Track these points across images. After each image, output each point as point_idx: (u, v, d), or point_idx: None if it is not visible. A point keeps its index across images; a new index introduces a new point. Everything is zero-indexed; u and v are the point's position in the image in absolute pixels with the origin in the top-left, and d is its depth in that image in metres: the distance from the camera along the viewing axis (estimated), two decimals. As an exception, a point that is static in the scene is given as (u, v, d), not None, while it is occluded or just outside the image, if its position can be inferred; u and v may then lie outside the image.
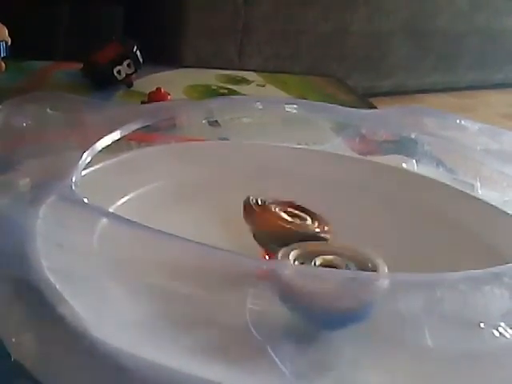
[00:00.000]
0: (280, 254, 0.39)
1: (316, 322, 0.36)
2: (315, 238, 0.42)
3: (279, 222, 0.43)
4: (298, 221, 0.44)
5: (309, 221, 0.44)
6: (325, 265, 0.38)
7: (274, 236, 0.43)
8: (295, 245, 0.40)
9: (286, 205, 0.45)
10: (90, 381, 0.32)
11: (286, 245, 0.40)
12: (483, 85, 2.85)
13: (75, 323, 0.32)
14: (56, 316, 0.33)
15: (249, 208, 0.44)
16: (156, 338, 0.33)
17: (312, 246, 0.40)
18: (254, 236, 0.44)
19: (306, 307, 0.35)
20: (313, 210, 0.45)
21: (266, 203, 0.45)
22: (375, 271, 0.37)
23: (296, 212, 0.45)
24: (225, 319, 0.35)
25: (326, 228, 0.44)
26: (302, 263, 0.38)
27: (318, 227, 0.43)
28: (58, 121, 0.50)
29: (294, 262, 0.38)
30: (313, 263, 0.38)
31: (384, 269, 0.38)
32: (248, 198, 0.45)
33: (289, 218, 0.44)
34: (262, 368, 0.31)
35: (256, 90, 0.89)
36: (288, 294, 0.35)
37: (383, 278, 0.35)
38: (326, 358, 0.34)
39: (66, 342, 0.32)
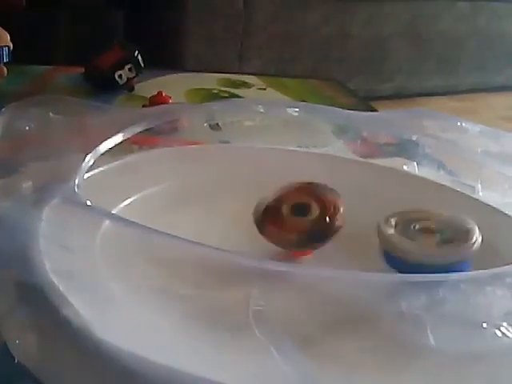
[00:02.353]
0: (382, 221, 0.44)
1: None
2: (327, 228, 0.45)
3: (291, 235, 0.45)
4: (309, 217, 0.45)
5: (318, 209, 0.45)
6: (423, 230, 0.44)
7: (293, 244, 0.45)
8: (396, 212, 0.45)
9: (293, 196, 0.46)
10: (94, 382, 0.32)
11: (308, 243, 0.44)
12: (484, 88, 2.85)
13: (79, 325, 0.32)
14: (59, 318, 0.33)
15: (262, 225, 0.46)
16: (159, 339, 0.33)
17: (412, 213, 0.45)
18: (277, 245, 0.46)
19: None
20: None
21: (275, 207, 0.46)
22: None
23: (305, 202, 0.46)
24: (228, 320, 0.35)
25: (339, 208, 0.46)
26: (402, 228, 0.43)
27: (329, 213, 0.45)
28: (61, 124, 0.50)
29: (396, 227, 0.44)
30: (412, 227, 0.44)
31: (475, 232, 0.43)
32: (257, 211, 0.46)
33: (301, 219, 0.45)
34: (266, 368, 0.31)
35: (257, 94, 0.89)
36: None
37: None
38: (328, 357, 0.34)
39: (70, 344, 0.33)
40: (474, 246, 0.42)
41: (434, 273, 0.38)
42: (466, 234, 0.42)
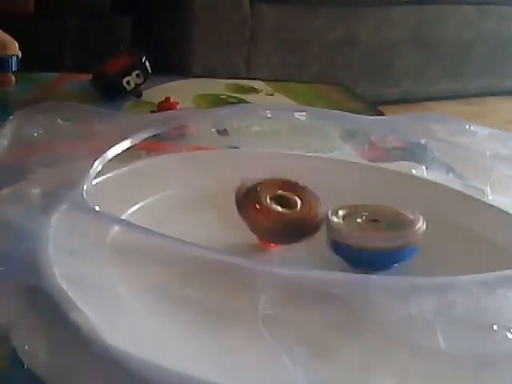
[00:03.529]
0: (330, 211, 0.46)
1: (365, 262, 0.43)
2: (305, 228, 0.46)
3: (270, 220, 0.45)
4: (288, 210, 0.46)
5: (298, 208, 0.46)
6: (370, 219, 0.45)
7: (266, 232, 0.46)
8: (345, 205, 0.46)
9: (277, 187, 0.47)
10: (104, 387, 0.32)
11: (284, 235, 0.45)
12: (491, 92, 2.85)
13: (88, 330, 0.32)
14: (69, 323, 0.33)
15: (240, 204, 0.46)
16: (168, 344, 0.33)
17: (360, 206, 0.47)
18: (250, 229, 0.46)
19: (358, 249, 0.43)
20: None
21: (257, 191, 0.46)
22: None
23: (287, 196, 0.47)
24: (237, 324, 0.35)
25: (316, 210, 0.47)
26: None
27: (309, 213, 0.46)
28: (69, 130, 0.50)
29: (343, 218, 0.45)
30: (357, 220, 0.45)
31: (419, 220, 0.44)
32: (239, 190, 0.47)
33: (280, 209, 0.46)
34: (276, 373, 0.31)
35: (265, 99, 0.89)
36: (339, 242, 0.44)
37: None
38: (338, 362, 0.34)
39: (79, 349, 0.33)
40: (419, 232, 0.44)
41: (379, 258, 0.43)
42: (411, 222, 0.44)
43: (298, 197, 0.47)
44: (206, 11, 2.17)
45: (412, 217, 0.45)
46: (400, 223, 0.45)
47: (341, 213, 0.46)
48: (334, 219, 0.45)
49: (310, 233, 0.46)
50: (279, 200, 0.46)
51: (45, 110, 0.52)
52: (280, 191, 0.47)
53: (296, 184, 0.48)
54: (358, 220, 0.45)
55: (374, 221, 0.45)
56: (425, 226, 0.44)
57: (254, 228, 0.46)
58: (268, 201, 0.46)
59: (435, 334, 0.32)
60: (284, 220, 0.45)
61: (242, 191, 0.46)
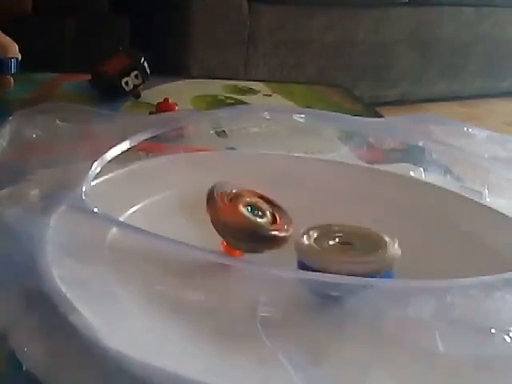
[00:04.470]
0: (302, 231, 0.42)
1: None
2: (268, 237, 0.44)
3: (236, 217, 0.44)
4: (257, 219, 0.44)
5: (267, 219, 0.45)
6: (341, 242, 0.42)
7: (229, 230, 0.44)
8: (318, 225, 0.43)
9: (254, 196, 0.46)
10: (102, 390, 0.32)
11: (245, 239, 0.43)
12: (488, 93, 2.85)
13: (86, 332, 0.32)
14: (67, 325, 0.33)
15: (211, 200, 0.45)
16: (167, 347, 0.33)
17: (333, 226, 0.44)
18: (213, 225, 0.44)
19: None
20: (319, 219, 0.46)
21: (230, 195, 0.45)
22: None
23: (260, 206, 0.45)
24: (236, 327, 0.35)
25: (285, 227, 0.45)
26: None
27: (276, 226, 0.44)
28: (68, 132, 0.50)
29: (315, 239, 0.42)
30: (329, 242, 0.42)
31: (394, 246, 0.41)
32: (212, 189, 0.45)
33: (248, 215, 0.44)
34: (274, 376, 0.31)
35: (263, 100, 0.89)
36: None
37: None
38: (336, 364, 0.34)
39: (78, 351, 0.33)
40: (392, 257, 0.40)
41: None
42: (385, 246, 0.41)
43: (272, 211, 0.46)
44: (204, 12, 2.17)
45: (387, 240, 0.41)
46: (374, 247, 0.41)
47: (312, 233, 0.42)
48: (305, 239, 0.42)
49: (271, 244, 0.43)
50: (252, 208, 0.45)
51: (43, 111, 0.52)
52: (255, 200, 0.46)
53: (272, 201, 0.47)
54: (330, 242, 0.42)
55: (346, 243, 0.42)
56: (400, 251, 0.41)
57: (217, 225, 0.44)
58: (239, 204, 0.44)
59: (434, 336, 0.32)
60: (246, 223, 0.43)
61: (216, 188, 0.45)
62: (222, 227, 0.44)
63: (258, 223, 0.44)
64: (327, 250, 0.41)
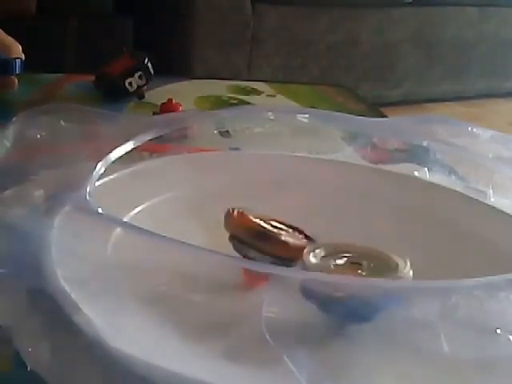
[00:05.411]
0: (306, 251, 0.40)
1: (343, 315, 0.37)
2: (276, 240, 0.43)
3: (254, 224, 0.43)
4: (275, 229, 0.43)
5: (286, 232, 0.44)
6: (349, 262, 0.40)
7: (248, 237, 0.42)
8: (321, 243, 0.42)
9: (269, 219, 0.45)
10: (106, 390, 0.32)
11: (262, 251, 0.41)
12: (492, 93, 2.85)
13: (90, 332, 0.32)
14: (71, 325, 0.33)
15: (228, 216, 0.44)
16: (171, 347, 0.33)
17: (340, 245, 0.42)
18: (231, 241, 0.43)
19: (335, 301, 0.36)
20: (324, 219, 0.45)
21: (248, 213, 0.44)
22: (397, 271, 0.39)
23: (277, 225, 0.44)
24: (240, 327, 0.35)
25: (301, 240, 0.44)
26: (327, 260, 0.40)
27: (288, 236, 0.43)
28: (72, 132, 0.50)
29: (321, 258, 0.40)
30: (337, 261, 0.40)
31: (405, 268, 0.39)
32: (228, 210, 0.44)
33: (266, 225, 0.43)
34: (278, 376, 0.31)
35: (266, 101, 0.89)
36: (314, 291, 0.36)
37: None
38: (341, 365, 0.34)
39: (82, 352, 0.33)
40: (405, 279, 0.39)
41: (357, 307, 0.35)
42: (397, 267, 0.39)
43: (289, 231, 0.45)
44: (207, 12, 2.17)
45: (398, 261, 0.40)
46: (384, 268, 0.39)
47: (319, 252, 0.41)
48: (311, 258, 0.40)
49: (280, 249, 0.42)
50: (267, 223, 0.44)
51: (47, 111, 0.52)
52: (275, 222, 0.45)
53: (299, 229, 0.45)
54: (338, 261, 0.40)
55: (355, 263, 0.40)
56: (411, 273, 0.39)
57: (229, 229, 0.44)
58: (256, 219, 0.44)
59: (438, 337, 0.32)
60: (255, 225, 0.43)
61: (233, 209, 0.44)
62: (233, 230, 0.43)
63: (267, 227, 0.43)
64: (334, 269, 0.39)
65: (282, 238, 0.43)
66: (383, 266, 0.40)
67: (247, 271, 0.39)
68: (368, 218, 0.51)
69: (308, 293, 0.37)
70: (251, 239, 0.42)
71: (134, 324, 0.35)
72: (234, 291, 0.35)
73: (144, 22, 2.01)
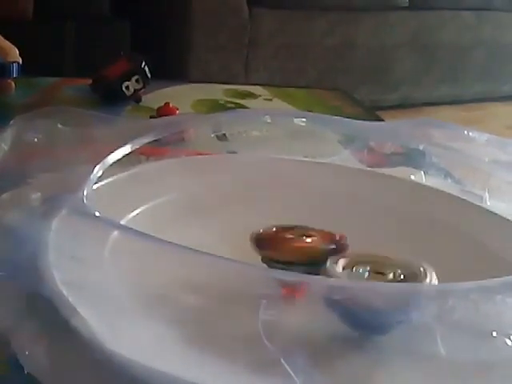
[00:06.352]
0: (328, 262, 0.41)
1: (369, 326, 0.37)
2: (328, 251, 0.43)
3: (291, 245, 0.43)
4: (307, 240, 0.44)
5: (317, 238, 0.44)
6: (373, 272, 0.40)
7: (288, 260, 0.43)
8: (346, 253, 0.42)
9: (292, 229, 0.45)
10: (104, 393, 0.32)
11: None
12: (489, 97, 2.85)
13: (88, 336, 0.32)
14: (69, 329, 0.33)
15: (258, 241, 0.44)
16: (170, 350, 0.33)
17: (363, 256, 0.42)
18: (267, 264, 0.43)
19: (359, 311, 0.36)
20: (321, 222, 0.45)
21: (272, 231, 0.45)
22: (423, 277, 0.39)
23: (303, 233, 0.45)
24: (237, 330, 0.35)
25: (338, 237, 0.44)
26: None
27: (329, 242, 0.43)
28: (69, 135, 0.50)
29: (344, 268, 0.40)
30: (361, 270, 0.40)
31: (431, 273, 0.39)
32: (253, 233, 0.45)
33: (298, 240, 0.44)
34: (276, 379, 0.31)
35: (263, 104, 0.89)
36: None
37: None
38: (338, 369, 0.34)
39: (80, 355, 0.33)
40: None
41: (382, 316, 0.36)
42: (421, 275, 0.39)
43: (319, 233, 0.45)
44: (204, 16, 2.18)
45: (422, 269, 0.40)
46: (409, 276, 0.40)
47: (342, 262, 0.41)
48: (334, 268, 0.40)
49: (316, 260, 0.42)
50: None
51: (45, 114, 0.52)
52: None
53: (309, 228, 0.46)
54: (361, 271, 0.40)
55: (378, 273, 0.40)
56: (436, 281, 0.39)
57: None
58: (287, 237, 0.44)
59: (435, 340, 0.32)
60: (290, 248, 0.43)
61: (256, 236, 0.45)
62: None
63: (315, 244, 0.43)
64: (358, 280, 0.40)
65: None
66: (408, 276, 0.40)
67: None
68: (365, 222, 0.51)
69: (331, 303, 0.36)
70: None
71: (132, 327, 0.35)
72: (231, 293, 0.35)
73: (141, 26, 2.01)
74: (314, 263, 0.42)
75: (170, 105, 0.77)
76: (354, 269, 0.41)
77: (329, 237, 0.44)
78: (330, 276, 0.40)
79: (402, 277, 0.40)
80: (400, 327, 0.35)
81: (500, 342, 0.33)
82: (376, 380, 0.34)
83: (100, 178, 0.45)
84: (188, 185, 0.53)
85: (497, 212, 0.52)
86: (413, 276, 0.40)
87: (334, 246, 0.43)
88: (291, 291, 0.37)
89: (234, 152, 0.64)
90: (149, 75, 0.80)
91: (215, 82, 1.00)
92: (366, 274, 0.40)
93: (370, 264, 0.41)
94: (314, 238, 0.44)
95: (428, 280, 0.39)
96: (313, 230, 0.45)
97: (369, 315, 0.35)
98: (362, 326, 0.37)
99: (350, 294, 0.35)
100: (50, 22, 1.79)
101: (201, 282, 0.37)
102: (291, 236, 0.44)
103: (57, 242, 0.38)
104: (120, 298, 0.37)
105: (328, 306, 0.36)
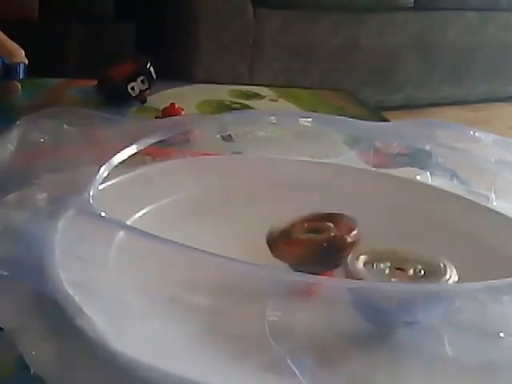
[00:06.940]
0: (349, 259, 0.41)
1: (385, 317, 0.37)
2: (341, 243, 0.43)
3: (302, 250, 0.43)
4: (320, 233, 0.44)
5: (331, 227, 0.44)
6: (394, 267, 0.41)
7: (305, 262, 0.43)
8: (367, 250, 0.42)
9: (307, 220, 0.45)
10: (110, 393, 0.32)
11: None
12: (494, 97, 2.85)
13: (94, 336, 0.32)
14: (75, 329, 0.33)
15: (273, 245, 0.44)
16: (176, 350, 0.33)
17: (383, 252, 0.42)
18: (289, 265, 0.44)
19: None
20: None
21: (286, 229, 0.44)
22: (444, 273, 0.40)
23: (317, 224, 0.45)
24: (244, 331, 0.35)
25: (351, 229, 0.44)
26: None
27: (342, 232, 0.44)
28: (75, 136, 0.50)
29: (365, 264, 0.41)
30: (382, 266, 0.41)
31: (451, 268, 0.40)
32: (269, 233, 0.45)
33: (312, 236, 0.44)
34: (282, 380, 0.31)
35: (268, 105, 0.89)
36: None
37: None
38: (345, 369, 0.34)
39: (86, 355, 0.33)
40: (451, 282, 0.39)
41: (403, 311, 0.35)
42: (442, 270, 0.40)
43: (331, 221, 0.45)
44: (209, 17, 2.18)
45: (442, 264, 0.40)
46: (429, 272, 0.40)
47: (362, 258, 0.41)
48: (355, 265, 0.41)
49: (347, 248, 0.43)
50: (312, 230, 0.45)
51: (50, 115, 0.52)
52: (310, 223, 0.45)
53: (326, 213, 0.46)
54: (382, 266, 0.41)
55: (399, 269, 0.41)
56: (457, 277, 0.39)
57: (293, 260, 0.44)
58: (300, 233, 0.44)
59: (442, 341, 0.32)
60: (321, 243, 0.43)
61: (272, 236, 0.44)
62: (298, 263, 0.43)
63: (323, 241, 0.43)
64: (380, 276, 0.40)
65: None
66: (429, 271, 0.40)
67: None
68: (370, 222, 0.51)
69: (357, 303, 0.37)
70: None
71: (138, 327, 0.35)
72: (238, 294, 0.35)
73: (146, 27, 2.01)
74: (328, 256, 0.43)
75: (176, 105, 0.77)
76: (374, 265, 0.41)
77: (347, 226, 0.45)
78: (351, 272, 0.40)
79: (422, 272, 0.40)
80: (407, 328, 0.35)
81: (507, 343, 0.33)
82: (382, 380, 0.34)
83: (106, 179, 0.46)
84: (193, 185, 0.53)
85: (503, 212, 0.52)
86: (433, 272, 0.40)
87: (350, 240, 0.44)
88: (307, 291, 0.38)
89: (240, 152, 0.64)
90: (154, 76, 0.80)
91: (220, 83, 1.00)
92: (387, 270, 0.40)
93: (391, 260, 0.41)
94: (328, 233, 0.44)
95: (448, 276, 0.39)
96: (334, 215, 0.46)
97: (375, 314, 0.36)
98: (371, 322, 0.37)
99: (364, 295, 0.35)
100: (55, 24, 1.79)
101: (206, 282, 0.37)
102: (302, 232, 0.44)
103: (63, 242, 0.38)
104: (126, 298, 0.37)
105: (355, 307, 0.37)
